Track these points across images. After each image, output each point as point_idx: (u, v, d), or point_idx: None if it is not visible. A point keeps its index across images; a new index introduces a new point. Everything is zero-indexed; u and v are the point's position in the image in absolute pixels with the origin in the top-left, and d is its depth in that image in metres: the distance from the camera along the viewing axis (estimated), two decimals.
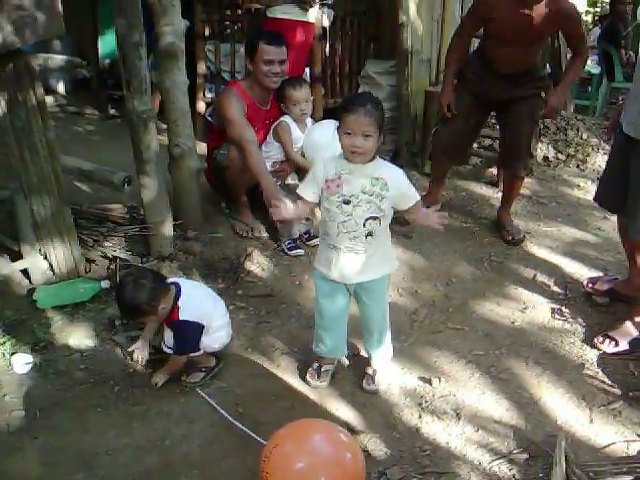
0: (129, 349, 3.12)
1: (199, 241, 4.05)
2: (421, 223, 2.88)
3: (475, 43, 4.78)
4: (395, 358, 3.15)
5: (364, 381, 3.03)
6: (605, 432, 2.78)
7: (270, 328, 3.48)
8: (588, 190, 5.50)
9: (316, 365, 3.06)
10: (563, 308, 3.71)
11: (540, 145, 6.13)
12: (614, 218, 4.67)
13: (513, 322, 3.60)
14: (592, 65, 8.62)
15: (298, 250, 4.21)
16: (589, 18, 13.79)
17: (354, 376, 3.11)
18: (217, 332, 3.00)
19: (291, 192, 4.02)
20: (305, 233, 4.36)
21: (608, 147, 6.27)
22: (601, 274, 4.03)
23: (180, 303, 2.85)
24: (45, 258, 3.44)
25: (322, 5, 5.52)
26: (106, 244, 3.76)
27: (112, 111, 6.77)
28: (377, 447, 2.67)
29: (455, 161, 5.03)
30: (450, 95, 4.43)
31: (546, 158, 6.15)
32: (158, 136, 3.67)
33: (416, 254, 4.29)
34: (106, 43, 6.93)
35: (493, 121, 6.89)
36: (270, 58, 4.06)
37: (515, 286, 3.97)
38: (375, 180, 2.61)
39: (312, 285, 3.70)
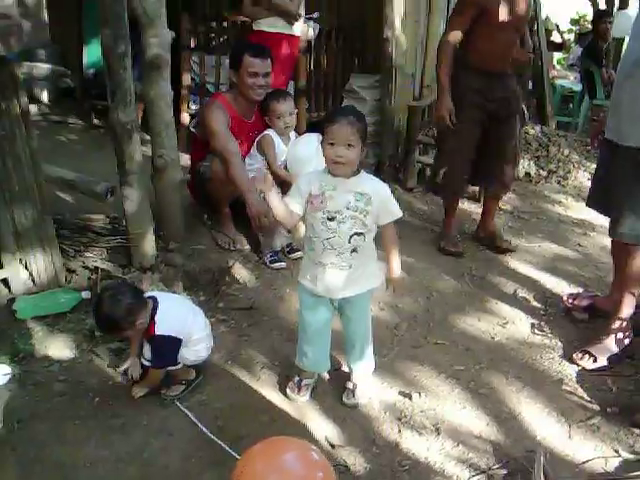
0: (121, 368, 3.08)
1: (181, 253, 4.03)
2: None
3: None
4: (375, 372, 3.15)
5: (344, 395, 3.03)
6: (584, 448, 2.80)
7: (251, 341, 3.47)
8: (569, 206, 5.55)
9: (297, 379, 3.05)
10: (543, 324, 3.73)
11: (522, 161, 6.18)
12: (594, 234, 4.74)
13: (493, 337, 3.61)
14: (574, 82, 8.71)
15: (280, 263, 4.21)
16: (572, 36, 13.92)
17: (334, 390, 3.10)
18: (196, 345, 2.98)
19: None
20: (287, 246, 4.36)
21: (589, 164, 6.38)
22: (581, 290, 4.06)
23: (157, 318, 2.83)
24: (26, 268, 3.42)
25: (308, 19, 5.57)
26: (87, 254, 3.74)
27: (96, 121, 6.75)
28: (356, 462, 2.67)
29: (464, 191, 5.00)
30: (449, 104, 4.25)
31: (528, 174, 6.20)
32: (142, 147, 3.67)
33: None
34: (91, 53, 6.92)
35: None
36: (255, 70, 4.07)
37: (496, 301, 3.99)
38: (360, 195, 2.62)
39: (294, 298, 3.73)
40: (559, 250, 4.78)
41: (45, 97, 7.39)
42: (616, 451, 2.78)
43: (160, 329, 2.81)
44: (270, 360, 3.31)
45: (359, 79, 6.28)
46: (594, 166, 6.39)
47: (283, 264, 4.21)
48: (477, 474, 2.63)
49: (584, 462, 2.72)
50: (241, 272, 4.09)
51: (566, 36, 11.88)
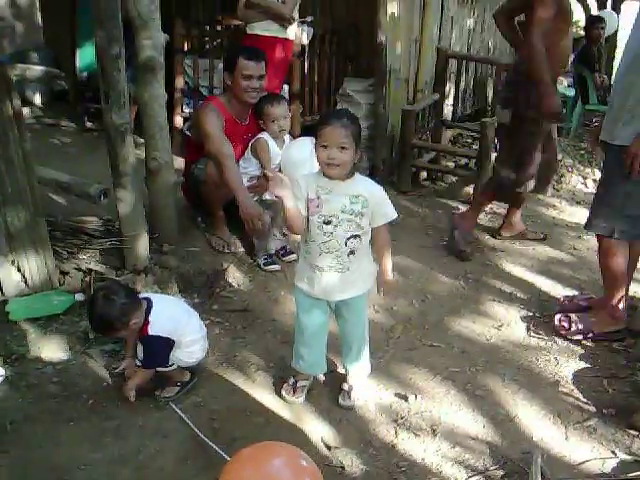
0: (117, 370, 3.06)
1: (175, 255, 4.01)
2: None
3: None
4: (371, 374, 3.14)
5: (340, 397, 3.02)
6: (580, 449, 2.79)
7: (245, 343, 3.46)
8: (563, 210, 5.56)
9: (292, 381, 3.04)
10: (538, 326, 3.73)
11: None
12: (589, 237, 4.74)
13: (489, 339, 3.61)
14: (567, 88, 8.73)
15: (274, 266, 4.20)
16: None
17: (330, 392, 3.09)
18: (190, 347, 2.97)
19: (267, 208, 4.03)
20: (281, 249, 4.35)
21: (583, 168, 6.40)
22: (576, 293, 4.06)
23: (151, 318, 2.82)
24: (18, 270, 3.39)
25: (302, 23, 5.56)
26: (81, 257, 3.72)
27: (89, 124, 6.72)
28: (353, 463, 2.66)
29: None
30: (559, 100, 4.13)
31: None
32: (135, 150, 3.65)
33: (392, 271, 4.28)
34: (84, 56, 6.89)
35: (469, 140, 6.99)
36: (249, 73, 4.06)
37: (491, 303, 3.98)
38: (355, 198, 2.61)
39: (288, 301, 3.72)
40: (554, 253, 4.78)
41: (38, 100, 7.37)
42: (613, 452, 2.78)
43: (154, 329, 2.80)
44: (265, 362, 3.30)
45: (353, 83, 6.28)
46: (587, 170, 6.47)
47: (277, 267, 4.20)
48: (474, 475, 2.62)
49: (581, 463, 2.71)
50: (235, 275, 4.07)
51: None
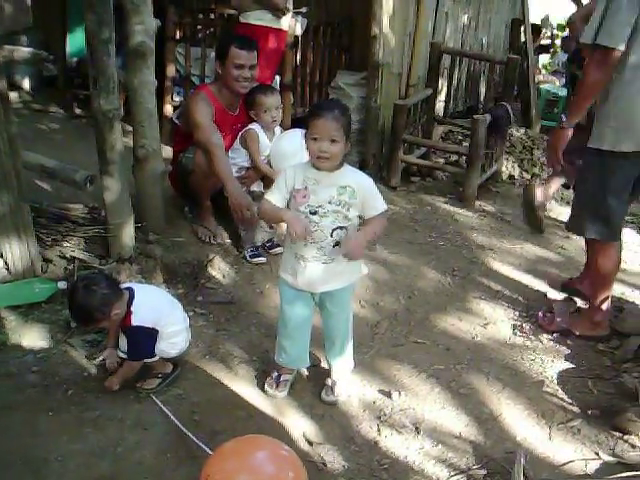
0: (98, 360, 3.02)
1: (160, 245, 3.97)
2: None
3: None
4: (355, 370, 3.12)
5: (323, 392, 3.00)
6: (564, 450, 2.79)
7: (229, 336, 3.42)
8: (551, 209, 5.54)
9: (275, 374, 3.01)
10: (524, 325, 3.72)
11: (506, 164, 6.19)
12: (576, 237, 4.73)
13: (474, 337, 3.59)
14: (559, 88, 8.73)
15: (260, 258, 4.16)
16: (558, 42, 13.97)
17: (313, 387, 3.07)
18: (173, 338, 2.94)
19: (256, 199, 3.99)
20: (268, 241, 4.31)
21: None
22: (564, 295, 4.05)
23: (133, 308, 2.79)
24: (0, 256, 3.34)
25: (296, 13, 5.51)
26: (65, 244, 3.66)
27: (78, 110, 6.64)
28: (334, 459, 2.64)
29: None
30: None
31: (511, 177, 6.21)
32: (123, 138, 3.60)
33: (379, 266, 4.27)
34: (74, 42, 6.81)
35: (460, 137, 6.97)
36: (241, 62, 4.01)
37: (477, 301, 3.97)
38: (342, 189, 2.59)
39: (273, 294, 3.69)
40: (541, 252, 4.77)
41: (27, 85, 7.27)
42: (596, 453, 2.77)
43: (136, 319, 2.77)
44: (248, 355, 3.27)
45: (345, 76, 6.25)
46: None
47: (263, 259, 4.17)
48: (456, 474, 2.61)
49: (564, 464, 2.71)
50: (221, 266, 4.03)
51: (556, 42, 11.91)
